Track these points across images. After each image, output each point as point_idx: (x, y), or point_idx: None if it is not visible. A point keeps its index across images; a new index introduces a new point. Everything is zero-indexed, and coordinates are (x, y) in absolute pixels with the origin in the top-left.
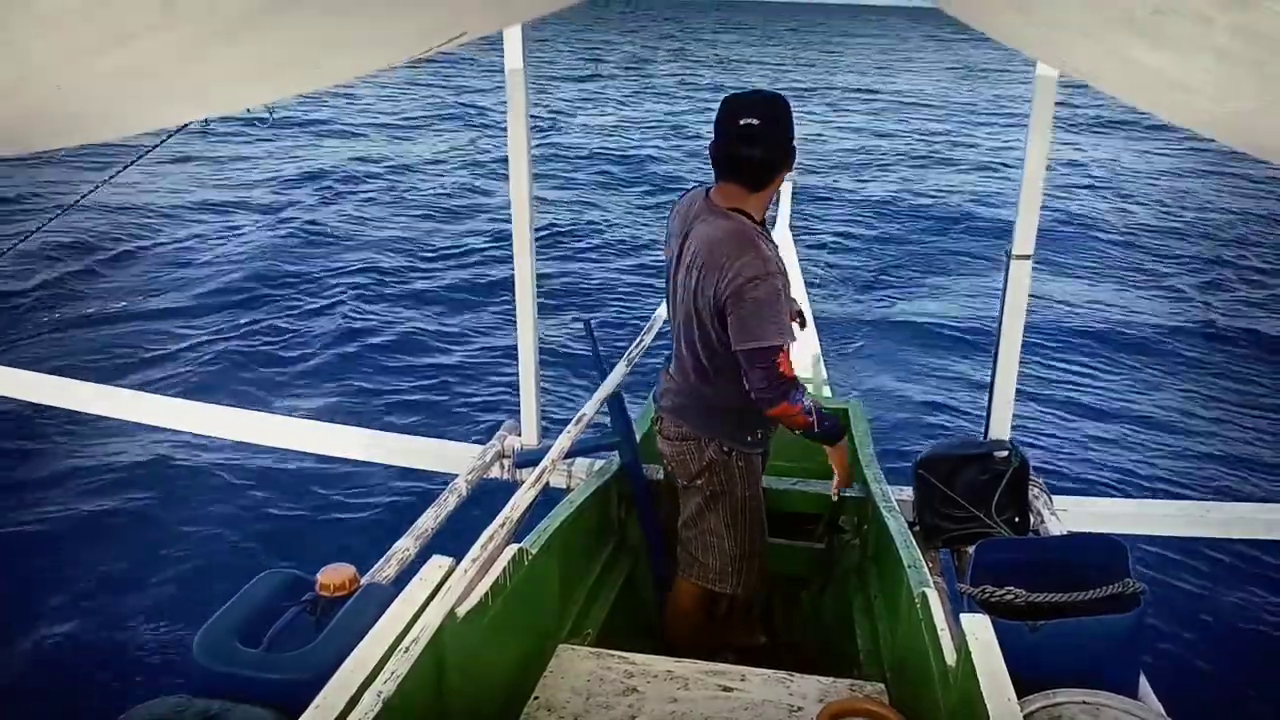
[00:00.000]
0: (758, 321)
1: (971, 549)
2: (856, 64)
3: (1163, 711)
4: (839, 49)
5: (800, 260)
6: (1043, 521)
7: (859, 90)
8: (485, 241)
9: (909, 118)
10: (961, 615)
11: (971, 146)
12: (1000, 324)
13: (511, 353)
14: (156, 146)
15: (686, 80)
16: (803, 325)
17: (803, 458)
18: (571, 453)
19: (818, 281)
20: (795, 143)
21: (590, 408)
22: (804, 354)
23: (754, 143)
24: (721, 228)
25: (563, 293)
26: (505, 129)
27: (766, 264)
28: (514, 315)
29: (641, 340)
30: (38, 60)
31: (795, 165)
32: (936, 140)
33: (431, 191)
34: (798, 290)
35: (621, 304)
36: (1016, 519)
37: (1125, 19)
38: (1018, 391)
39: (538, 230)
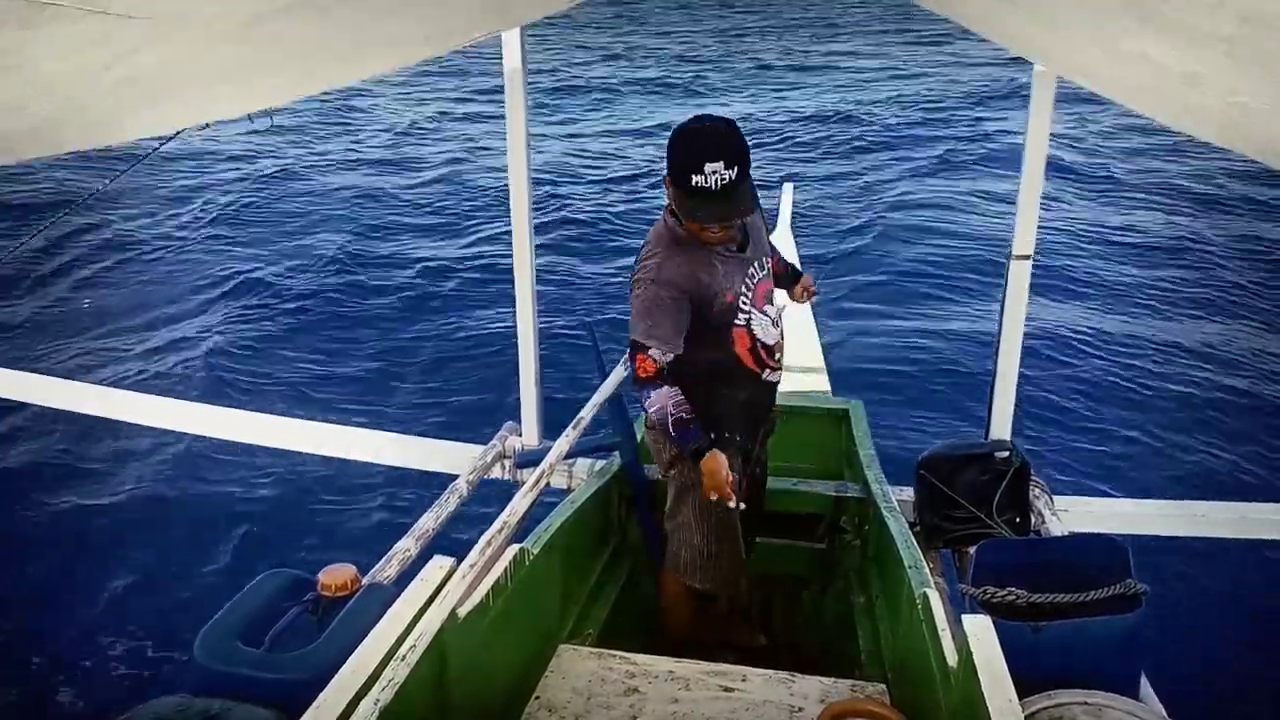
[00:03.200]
0: (635, 318)
1: (973, 549)
2: (855, 52)
3: (1164, 712)
4: (839, 32)
5: (802, 260)
6: (1043, 522)
7: (859, 82)
8: (485, 242)
9: (909, 113)
10: (963, 616)
11: (973, 143)
12: (1000, 324)
13: (512, 353)
14: (157, 149)
15: (688, 77)
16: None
17: (803, 458)
18: (572, 453)
19: (819, 281)
20: (682, 179)
21: (590, 409)
22: (806, 353)
23: None
24: (655, 224)
25: (563, 293)
26: (505, 129)
27: (658, 270)
28: (514, 316)
29: None
30: (47, 76)
31: (686, 197)
32: (938, 136)
33: (431, 191)
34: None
35: (623, 305)
36: (1017, 519)
37: (1129, 7)
38: (1018, 392)
39: (537, 230)
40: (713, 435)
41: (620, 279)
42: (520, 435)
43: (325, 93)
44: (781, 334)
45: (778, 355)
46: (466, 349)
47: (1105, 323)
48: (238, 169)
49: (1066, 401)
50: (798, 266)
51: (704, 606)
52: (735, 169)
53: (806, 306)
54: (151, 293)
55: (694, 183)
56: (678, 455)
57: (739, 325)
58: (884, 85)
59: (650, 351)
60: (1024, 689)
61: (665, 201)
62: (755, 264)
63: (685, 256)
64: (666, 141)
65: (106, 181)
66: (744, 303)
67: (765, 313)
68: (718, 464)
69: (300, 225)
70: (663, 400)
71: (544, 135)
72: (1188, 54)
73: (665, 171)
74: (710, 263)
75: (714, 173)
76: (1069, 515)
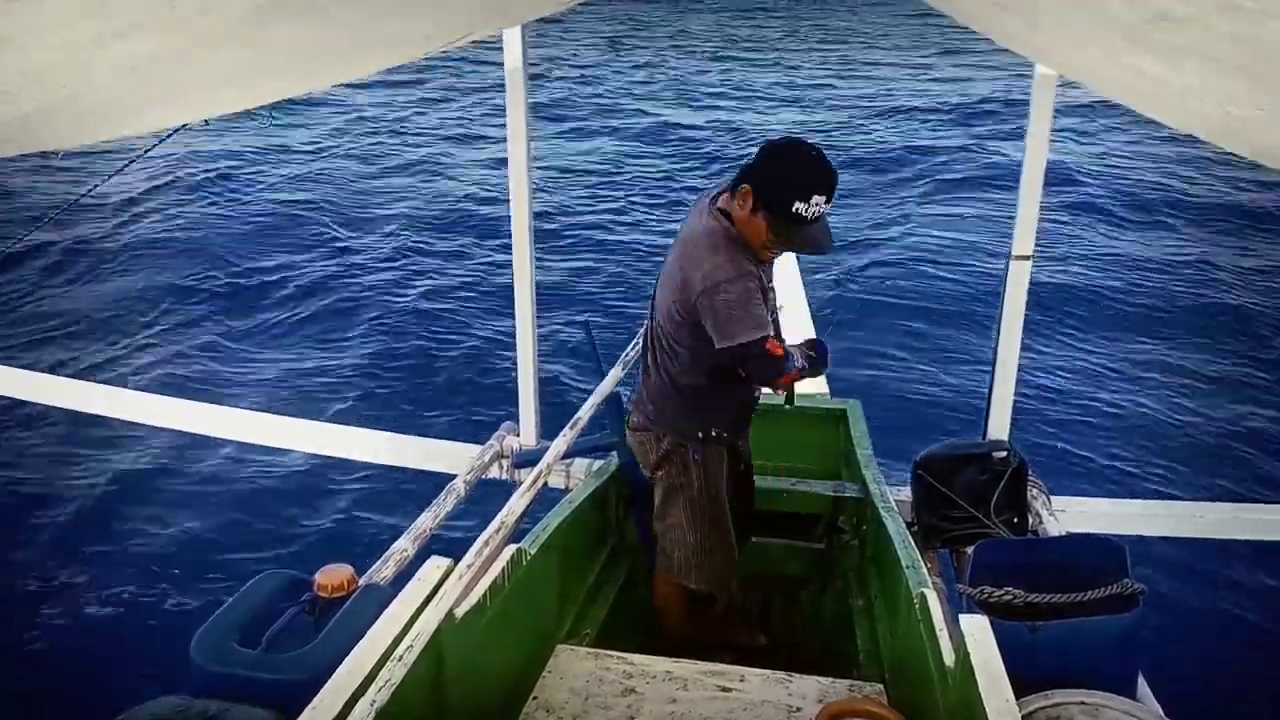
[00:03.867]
0: (733, 322)
1: (970, 549)
2: (856, 49)
3: (1161, 712)
4: (843, 31)
5: (800, 259)
6: (1041, 522)
7: (858, 80)
8: (485, 241)
9: (909, 111)
10: (960, 616)
11: (974, 142)
12: (999, 324)
13: (511, 353)
14: (156, 146)
15: (688, 76)
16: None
17: (801, 458)
18: (570, 453)
19: (818, 281)
20: (780, 202)
21: (588, 409)
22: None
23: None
24: (703, 226)
25: (562, 293)
26: (505, 128)
27: (735, 267)
28: (513, 315)
29: (639, 342)
30: (41, 61)
31: (778, 220)
32: (938, 137)
33: (431, 190)
34: (797, 289)
35: (621, 305)
36: (1015, 519)
37: (1124, 26)
38: (1016, 391)
39: (537, 230)
40: (700, 434)
41: (621, 278)
42: (518, 435)
43: (324, 90)
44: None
45: None
46: (465, 348)
47: (1104, 323)
48: (234, 163)
49: (1065, 402)
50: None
51: (698, 606)
52: (830, 203)
53: (804, 305)
54: (147, 291)
55: (794, 210)
56: (664, 456)
57: None
58: (888, 89)
59: (768, 334)
60: (1021, 689)
61: (683, 185)
62: (769, 270)
63: (746, 254)
64: (761, 154)
65: (105, 178)
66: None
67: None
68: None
69: (297, 222)
70: (797, 353)
71: (546, 133)
72: (1185, 69)
73: (748, 185)
74: (757, 264)
75: (817, 204)
76: (1066, 515)
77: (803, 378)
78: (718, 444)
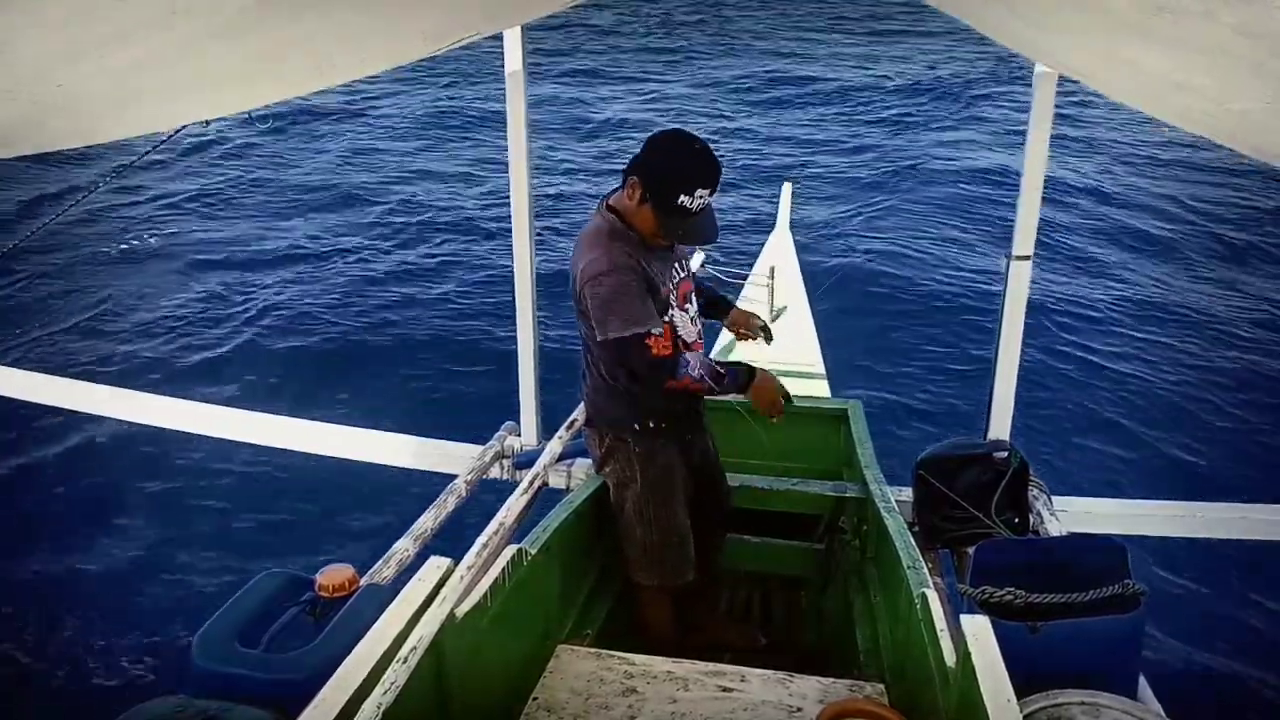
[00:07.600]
0: (606, 315)
1: (971, 550)
2: (854, 50)
3: (1162, 712)
4: (836, 32)
5: (800, 260)
6: (1042, 522)
7: (857, 82)
8: (485, 241)
9: (910, 113)
10: (961, 616)
11: (974, 143)
12: (1000, 324)
13: (512, 353)
14: (157, 147)
15: (685, 76)
16: (768, 339)
17: (802, 458)
18: (569, 454)
19: (818, 281)
20: (666, 194)
21: (583, 410)
22: (805, 354)
23: None
24: (591, 224)
25: (562, 293)
26: (505, 129)
27: (610, 261)
28: (514, 315)
29: None
30: (40, 60)
31: (663, 211)
32: (938, 137)
33: (431, 191)
34: (797, 290)
35: None
36: (1016, 520)
37: (1124, 20)
38: (1017, 392)
39: (537, 230)
40: (636, 427)
41: None
42: (519, 435)
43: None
44: (699, 334)
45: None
46: (465, 349)
47: (1106, 323)
48: (232, 164)
49: (1066, 401)
50: (722, 294)
51: (681, 606)
52: (714, 194)
53: (806, 306)
54: (151, 293)
55: (679, 202)
56: (607, 452)
57: (665, 321)
58: (887, 87)
59: (651, 330)
60: (1022, 689)
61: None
62: (677, 264)
63: (629, 247)
64: (647, 148)
65: (107, 178)
66: (671, 299)
67: (685, 310)
68: (768, 382)
69: (296, 223)
70: (696, 362)
71: (544, 133)
72: (1187, 63)
73: (636, 176)
74: (648, 254)
75: (700, 197)
76: (1068, 515)
77: (709, 391)
78: (659, 437)
